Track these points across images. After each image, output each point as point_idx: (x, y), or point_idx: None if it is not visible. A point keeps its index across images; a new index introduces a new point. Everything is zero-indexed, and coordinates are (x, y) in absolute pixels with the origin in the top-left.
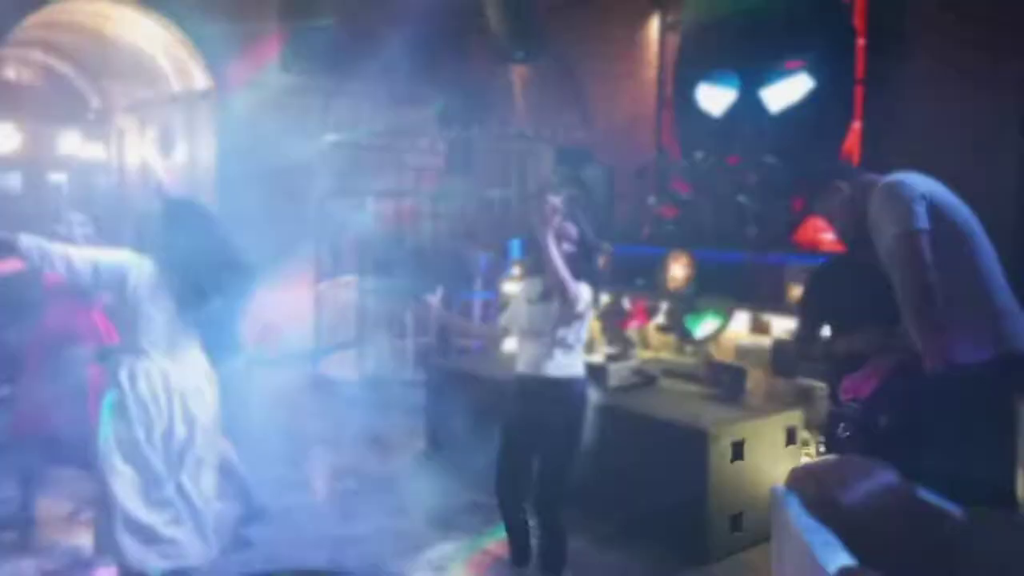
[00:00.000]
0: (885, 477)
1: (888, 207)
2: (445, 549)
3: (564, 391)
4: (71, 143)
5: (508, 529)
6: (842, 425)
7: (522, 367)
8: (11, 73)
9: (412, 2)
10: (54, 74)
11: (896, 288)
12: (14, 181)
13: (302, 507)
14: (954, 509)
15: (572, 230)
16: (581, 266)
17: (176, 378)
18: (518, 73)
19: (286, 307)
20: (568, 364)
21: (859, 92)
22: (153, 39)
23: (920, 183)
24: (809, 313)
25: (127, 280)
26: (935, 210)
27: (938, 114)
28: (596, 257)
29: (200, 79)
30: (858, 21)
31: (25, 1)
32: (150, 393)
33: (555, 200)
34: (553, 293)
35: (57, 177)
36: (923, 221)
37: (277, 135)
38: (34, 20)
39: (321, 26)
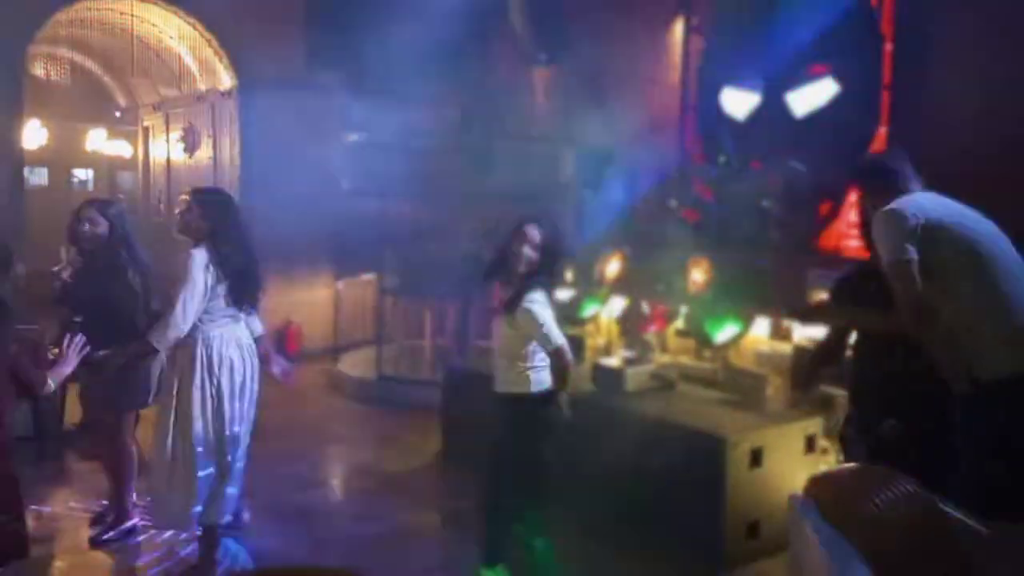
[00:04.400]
0: (906, 488)
1: (882, 236)
2: (460, 549)
3: (516, 407)
4: (97, 140)
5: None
6: (853, 431)
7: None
8: (39, 70)
9: (436, 3)
10: (82, 72)
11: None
12: (41, 177)
13: (318, 505)
14: (977, 523)
15: (536, 234)
16: (542, 274)
17: None
18: (541, 75)
19: (306, 304)
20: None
21: (886, 97)
22: (180, 38)
23: (918, 210)
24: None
25: None
26: (936, 236)
27: (965, 120)
28: (559, 264)
29: (225, 78)
30: (885, 26)
31: None
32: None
33: (533, 233)
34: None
35: (81, 173)
36: (910, 252)
37: (300, 134)
38: (62, 18)
39: (345, 26)
